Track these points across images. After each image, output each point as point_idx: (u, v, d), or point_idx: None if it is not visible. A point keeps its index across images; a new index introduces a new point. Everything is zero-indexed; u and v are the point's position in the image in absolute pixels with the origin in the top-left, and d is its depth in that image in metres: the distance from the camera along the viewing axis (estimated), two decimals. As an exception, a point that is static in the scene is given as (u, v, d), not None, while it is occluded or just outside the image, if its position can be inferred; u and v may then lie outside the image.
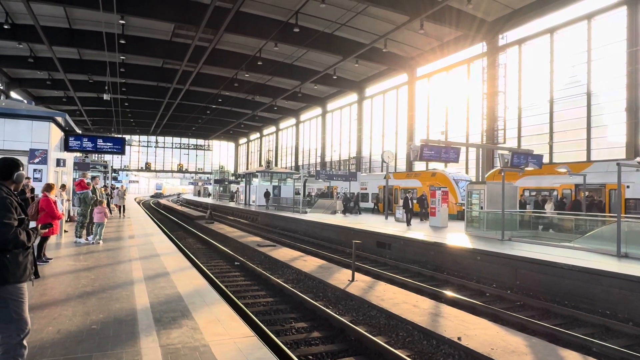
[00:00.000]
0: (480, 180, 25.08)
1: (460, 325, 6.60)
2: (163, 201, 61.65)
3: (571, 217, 14.83)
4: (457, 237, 14.61)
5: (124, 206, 22.44)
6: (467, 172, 28.10)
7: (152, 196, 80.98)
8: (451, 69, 30.67)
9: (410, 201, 19.98)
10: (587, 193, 16.57)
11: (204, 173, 78.12)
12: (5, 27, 23.86)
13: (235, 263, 13.00)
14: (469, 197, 16.62)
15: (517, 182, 18.91)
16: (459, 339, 5.96)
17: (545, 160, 20.49)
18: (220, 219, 29.72)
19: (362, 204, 31.09)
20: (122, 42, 26.13)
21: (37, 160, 12.58)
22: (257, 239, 18.24)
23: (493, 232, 14.64)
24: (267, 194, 34.08)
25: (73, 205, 15.82)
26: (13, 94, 39.10)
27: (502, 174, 14.86)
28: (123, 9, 21.56)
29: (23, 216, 3.21)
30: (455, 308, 7.75)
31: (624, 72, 20.11)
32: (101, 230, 11.66)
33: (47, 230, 4.03)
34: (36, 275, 3.33)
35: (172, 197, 77.58)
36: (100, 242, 11.45)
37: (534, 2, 22.73)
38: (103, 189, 20.75)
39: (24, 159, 12.26)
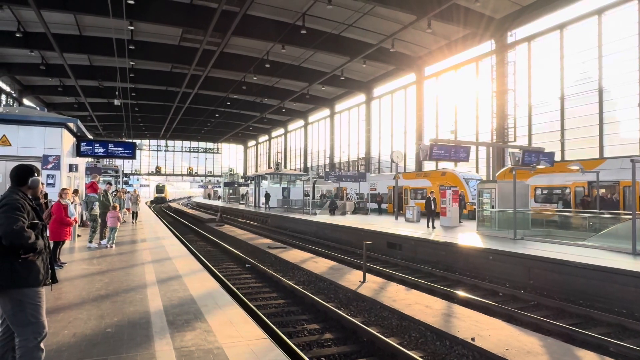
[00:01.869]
0: (491, 179, 24.87)
1: (474, 325, 6.54)
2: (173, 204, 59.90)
3: (585, 215, 14.65)
4: (468, 237, 14.51)
5: (136, 212, 21.57)
6: (477, 171, 27.89)
7: (151, 202, 63.04)
8: (460, 68, 30.48)
9: (432, 202, 18.24)
10: (614, 194, 16.36)
11: (213, 176, 78.51)
12: (17, 35, 24.26)
13: (246, 265, 13.04)
14: (480, 196, 16.49)
15: (529, 181, 18.73)
16: (472, 339, 5.91)
17: (557, 157, 20.28)
18: (231, 222, 29.85)
19: (372, 205, 31.01)
20: (132, 47, 26.42)
21: (50, 165, 12.74)
22: (268, 240, 18.29)
23: (505, 231, 14.51)
24: (267, 196, 34.66)
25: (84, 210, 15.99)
26: (26, 101, 39.77)
27: (514, 172, 14.73)
28: (132, 15, 21.79)
29: (37, 221, 3.25)
30: (468, 308, 7.70)
31: (636, 67, 19.82)
32: (114, 234, 11.79)
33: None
34: (53, 280, 3.37)
35: (182, 201, 77.51)
36: (113, 245, 11.58)
37: (542, -2, 22.56)
38: (121, 193, 20.86)
39: (37, 165, 12.41)
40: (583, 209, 16.42)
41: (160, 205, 57.63)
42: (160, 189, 69.34)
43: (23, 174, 3.33)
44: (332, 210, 27.35)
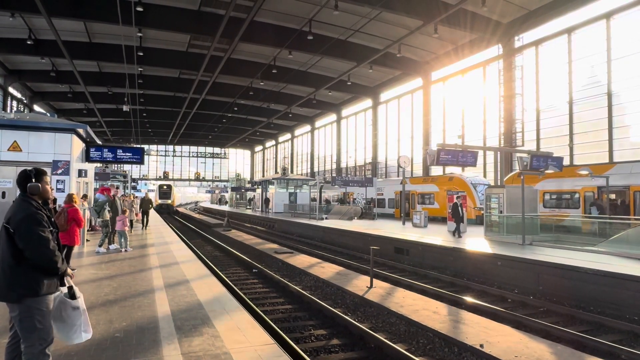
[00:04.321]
0: (499, 183, 24.71)
1: (482, 332, 6.49)
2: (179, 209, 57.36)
3: (594, 220, 14.50)
4: (476, 242, 14.41)
5: (132, 221, 17.01)
6: (485, 176, 27.73)
7: (157, 209, 43.76)
8: (467, 72, 30.41)
9: (460, 208, 16.70)
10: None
11: (220, 181, 78.79)
12: (29, 42, 24.63)
13: (253, 270, 13.05)
14: (488, 201, 16.38)
15: (537, 185, 18.59)
16: (481, 346, 5.86)
17: (566, 162, 20.11)
18: (238, 227, 29.91)
19: (379, 210, 30.91)
20: (140, 54, 26.70)
21: (59, 171, 12.89)
22: (275, 245, 18.28)
23: (513, 236, 14.40)
24: (266, 201, 36.24)
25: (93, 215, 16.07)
26: (36, 107, 40.32)
27: (522, 177, 14.63)
28: (141, 22, 22.04)
29: (51, 228, 3.27)
30: (476, 314, 7.63)
31: (646, 70, 19.63)
32: (125, 238, 12.00)
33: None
34: (62, 284, 3.39)
35: (190, 206, 77.33)
36: (129, 249, 11.83)
37: (550, 2, 22.43)
38: (129, 197, 20.52)
39: (47, 171, 12.55)
40: (599, 213, 16.12)
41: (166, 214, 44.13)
42: (164, 192, 49.82)
43: (23, 181, 3.28)
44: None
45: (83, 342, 4.54)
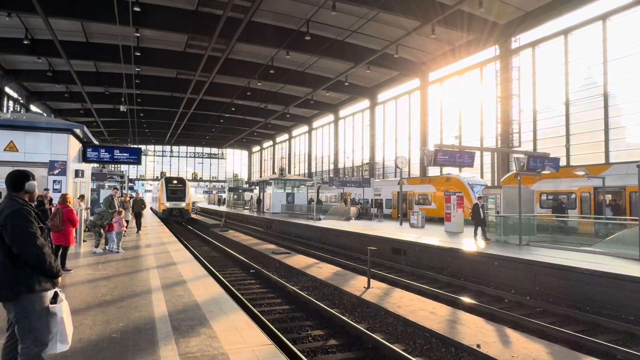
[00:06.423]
0: (495, 184, 24.76)
1: (479, 332, 6.51)
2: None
3: (591, 220, 14.56)
4: (473, 243, 14.45)
5: (127, 221, 15.86)
6: (482, 177, 27.78)
7: (164, 216, 32.99)
8: (464, 73, 30.48)
9: (481, 209, 15.28)
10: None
11: (218, 181, 78.68)
12: (25, 42, 24.54)
13: (251, 271, 13.05)
14: (485, 202, 16.42)
15: (534, 186, 18.65)
16: (478, 346, 5.87)
17: (562, 163, 20.18)
18: (235, 227, 29.88)
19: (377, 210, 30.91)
20: (137, 54, 26.63)
21: (56, 171, 12.84)
22: (272, 246, 18.28)
23: (510, 236, 14.44)
24: (258, 201, 37.53)
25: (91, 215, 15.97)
26: (33, 107, 40.16)
27: (518, 177, 14.69)
28: (138, 22, 22.00)
29: (42, 225, 3.27)
30: (473, 315, 7.64)
31: (642, 72, 19.72)
32: (119, 239, 11.95)
33: None
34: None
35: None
36: (120, 250, 11.74)
37: (547, 4, 22.51)
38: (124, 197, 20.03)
39: (44, 171, 12.54)
40: (614, 214, 16.12)
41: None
42: (175, 191, 34.45)
43: (19, 179, 3.29)
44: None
45: (80, 343, 4.55)
